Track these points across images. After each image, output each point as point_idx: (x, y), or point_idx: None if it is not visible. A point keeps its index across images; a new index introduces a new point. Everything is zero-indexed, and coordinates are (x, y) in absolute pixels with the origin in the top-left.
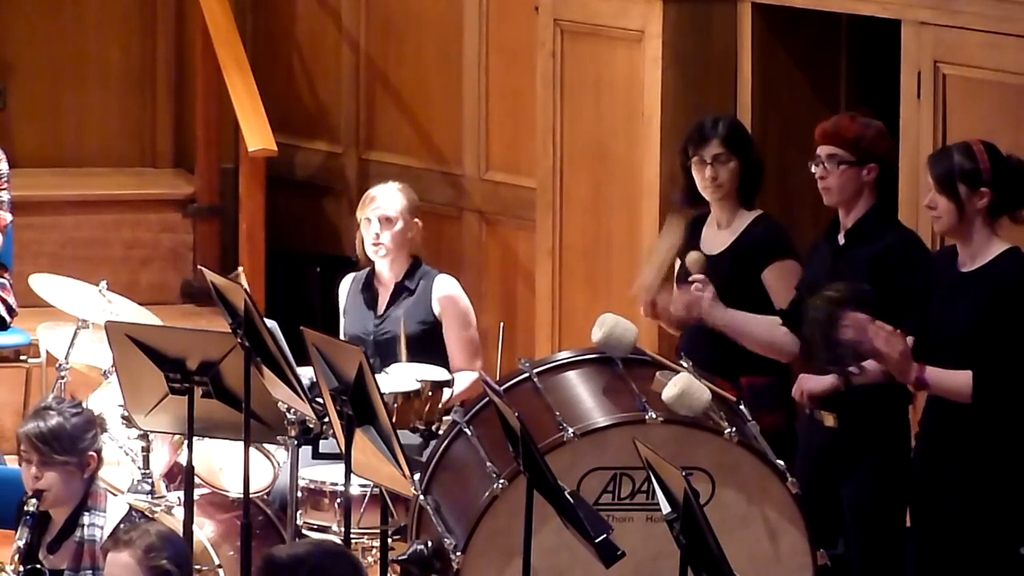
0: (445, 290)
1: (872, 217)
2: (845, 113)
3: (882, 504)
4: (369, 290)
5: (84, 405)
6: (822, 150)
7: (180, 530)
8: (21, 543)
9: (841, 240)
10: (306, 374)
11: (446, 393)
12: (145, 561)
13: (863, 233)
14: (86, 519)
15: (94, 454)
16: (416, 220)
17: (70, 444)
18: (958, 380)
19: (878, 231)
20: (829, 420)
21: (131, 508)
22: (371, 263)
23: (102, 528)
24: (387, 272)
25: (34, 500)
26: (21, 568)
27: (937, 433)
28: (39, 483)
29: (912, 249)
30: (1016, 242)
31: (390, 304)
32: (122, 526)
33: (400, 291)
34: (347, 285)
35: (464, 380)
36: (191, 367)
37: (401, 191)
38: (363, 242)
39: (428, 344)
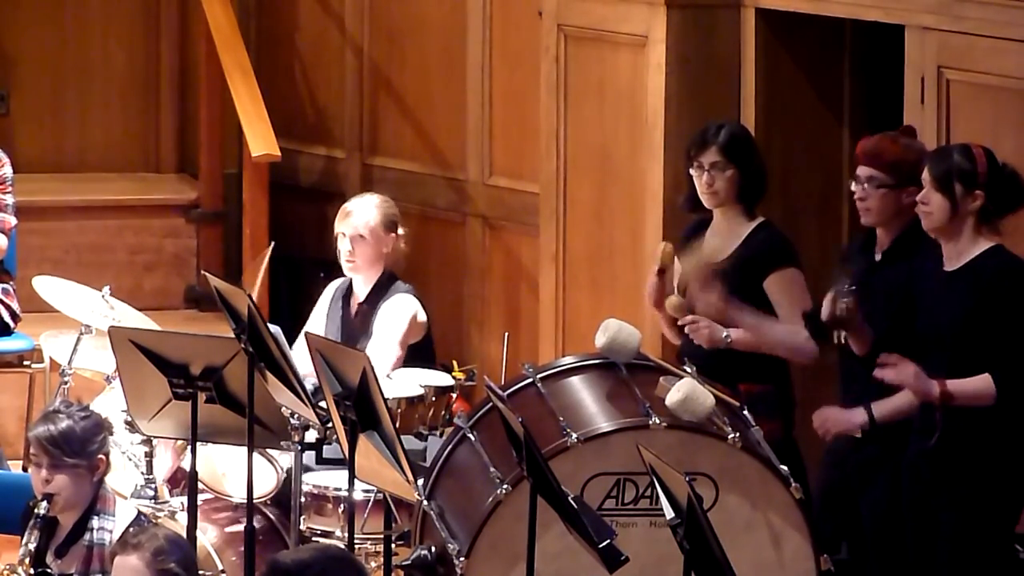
0: (390, 305)
1: (909, 237)
2: (887, 134)
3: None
4: (347, 300)
5: (92, 409)
6: (862, 171)
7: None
8: (31, 546)
9: (878, 257)
10: (309, 380)
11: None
12: (154, 564)
13: (900, 253)
14: (95, 523)
15: (103, 457)
16: (394, 235)
17: (80, 447)
18: (979, 385)
19: (915, 252)
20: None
21: (139, 512)
22: None
23: (111, 532)
24: (360, 285)
25: (44, 503)
26: (32, 571)
27: (930, 433)
28: (49, 486)
29: None
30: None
31: (355, 318)
32: (130, 530)
33: (364, 308)
34: (331, 291)
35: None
36: (195, 372)
37: (378, 207)
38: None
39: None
